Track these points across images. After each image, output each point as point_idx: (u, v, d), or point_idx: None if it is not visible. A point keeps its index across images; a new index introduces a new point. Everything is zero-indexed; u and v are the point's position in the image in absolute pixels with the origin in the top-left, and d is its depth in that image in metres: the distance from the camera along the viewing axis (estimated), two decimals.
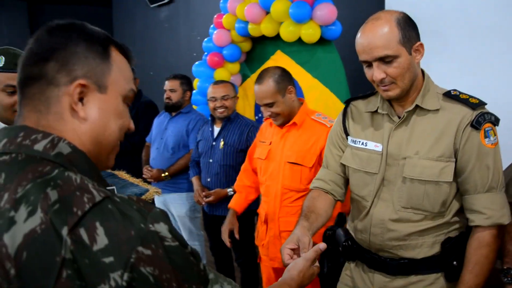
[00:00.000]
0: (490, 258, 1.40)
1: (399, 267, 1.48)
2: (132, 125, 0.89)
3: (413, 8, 3.19)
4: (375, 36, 1.34)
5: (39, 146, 0.74)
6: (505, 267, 1.52)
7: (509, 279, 1.49)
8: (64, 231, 0.64)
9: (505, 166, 1.47)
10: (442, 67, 2.87)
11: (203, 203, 2.94)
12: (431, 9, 3.12)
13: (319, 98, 3.52)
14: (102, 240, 0.65)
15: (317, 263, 1.26)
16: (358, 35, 1.40)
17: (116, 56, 0.84)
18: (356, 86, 3.28)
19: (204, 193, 2.91)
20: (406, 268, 1.48)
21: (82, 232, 0.65)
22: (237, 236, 2.52)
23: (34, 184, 0.68)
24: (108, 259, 0.65)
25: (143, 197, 2.28)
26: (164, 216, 0.73)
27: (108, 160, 0.87)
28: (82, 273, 0.64)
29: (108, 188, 0.75)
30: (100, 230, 0.66)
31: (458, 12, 2.94)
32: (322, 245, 1.27)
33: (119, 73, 0.83)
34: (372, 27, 1.36)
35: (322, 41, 3.47)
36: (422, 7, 3.17)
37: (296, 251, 1.33)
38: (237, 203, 2.58)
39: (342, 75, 3.48)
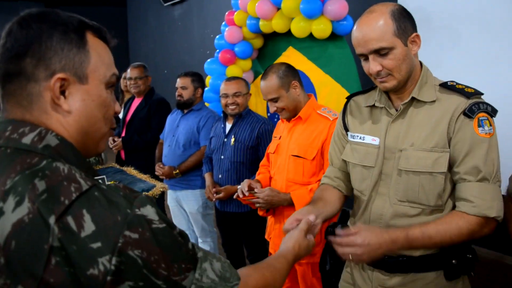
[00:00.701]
0: (461, 233, 1.31)
1: (397, 264, 1.45)
2: (117, 108, 0.88)
3: (425, 3, 3.16)
4: (370, 29, 1.34)
5: (27, 139, 0.75)
6: None
7: None
8: (52, 220, 0.66)
9: None
10: (454, 62, 2.83)
11: (214, 199, 2.94)
12: (443, 4, 3.07)
13: (331, 94, 3.50)
14: (89, 226, 0.67)
15: (311, 237, 1.29)
16: (354, 28, 1.40)
17: (93, 42, 0.82)
18: (368, 82, 3.25)
19: (214, 189, 2.92)
20: (404, 265, 1.44)
21: (70, 220, 0.66)
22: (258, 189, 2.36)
23: (22, 176, 0.70)
24: (96, 245, 0.66)
25: (150, 192, 2.31)
26: (150, 200, 0.74)
27: (98, 147, 0.87)
28: (70, 259, 0.65)
29: (97, 177, 0.76)
30: (87, 217, 0.67)
31: (470, 7, 2.88)
32: (312, 217, 1.33)
33: (99, 60, 0.82)
34: (366, 20, 1.36)
35: (334, 36, 3.45)
36: (434, 2, 3.12)
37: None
38: (261, 178, 2.48)
39: (354, 71, 3.45)
